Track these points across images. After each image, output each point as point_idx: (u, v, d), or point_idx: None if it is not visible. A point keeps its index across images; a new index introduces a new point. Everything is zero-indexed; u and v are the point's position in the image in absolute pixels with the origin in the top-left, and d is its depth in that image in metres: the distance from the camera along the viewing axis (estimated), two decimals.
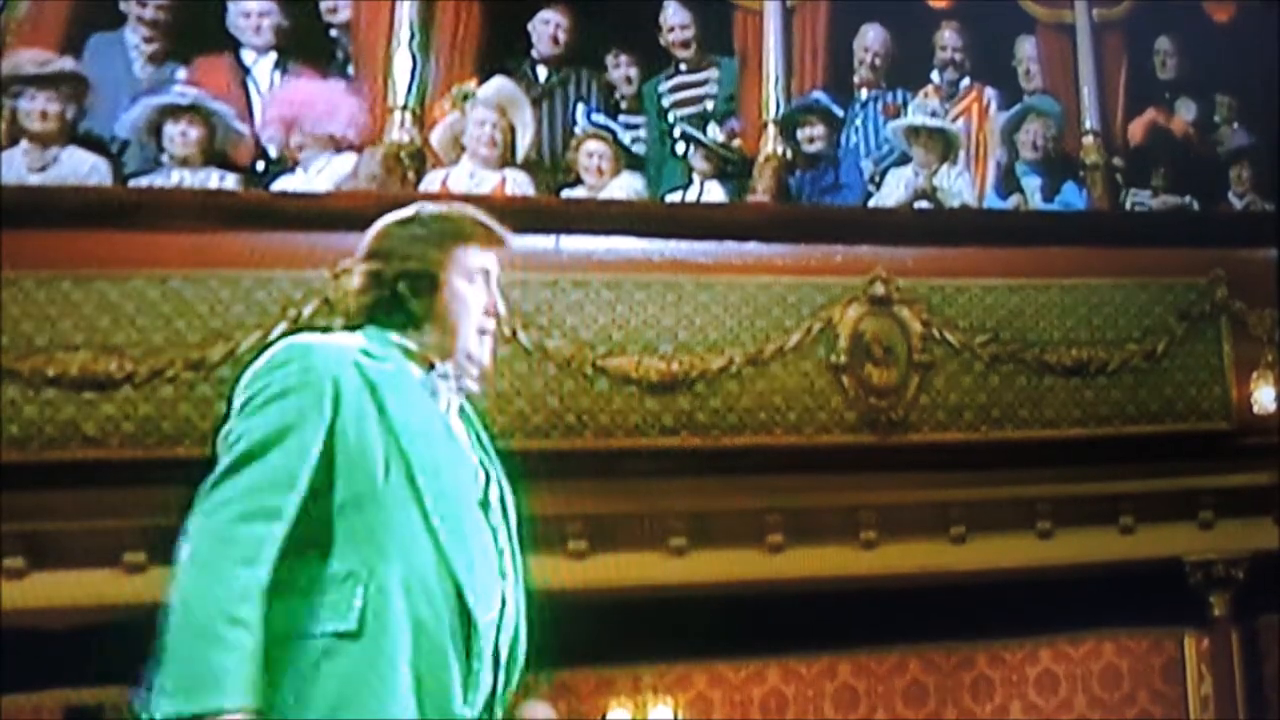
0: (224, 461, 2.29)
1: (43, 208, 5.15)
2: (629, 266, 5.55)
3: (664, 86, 6.71)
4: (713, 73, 6.71)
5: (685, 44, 6.67)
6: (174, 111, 5.64)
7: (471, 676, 2.35)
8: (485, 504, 2.47)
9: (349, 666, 2.23)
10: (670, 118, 6.62)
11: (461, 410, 2.54)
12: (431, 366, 2.50)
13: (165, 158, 5.65)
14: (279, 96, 5.91)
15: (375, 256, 2.52)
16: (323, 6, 6.34)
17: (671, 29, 6.66)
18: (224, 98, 5.85)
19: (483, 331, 2.56)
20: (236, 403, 2.36)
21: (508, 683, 2.45)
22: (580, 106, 6.51)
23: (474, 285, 2.55)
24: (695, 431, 5.44)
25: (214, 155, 5.73)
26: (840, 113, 6.54)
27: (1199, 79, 7.14)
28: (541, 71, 6.57)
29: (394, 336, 2.48)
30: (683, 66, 6.72)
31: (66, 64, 5.59)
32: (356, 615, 2.25)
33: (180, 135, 5.61)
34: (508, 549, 2.47)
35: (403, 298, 2.49)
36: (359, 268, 2.53)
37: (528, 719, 5.25)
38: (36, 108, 5.42)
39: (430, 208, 2.61)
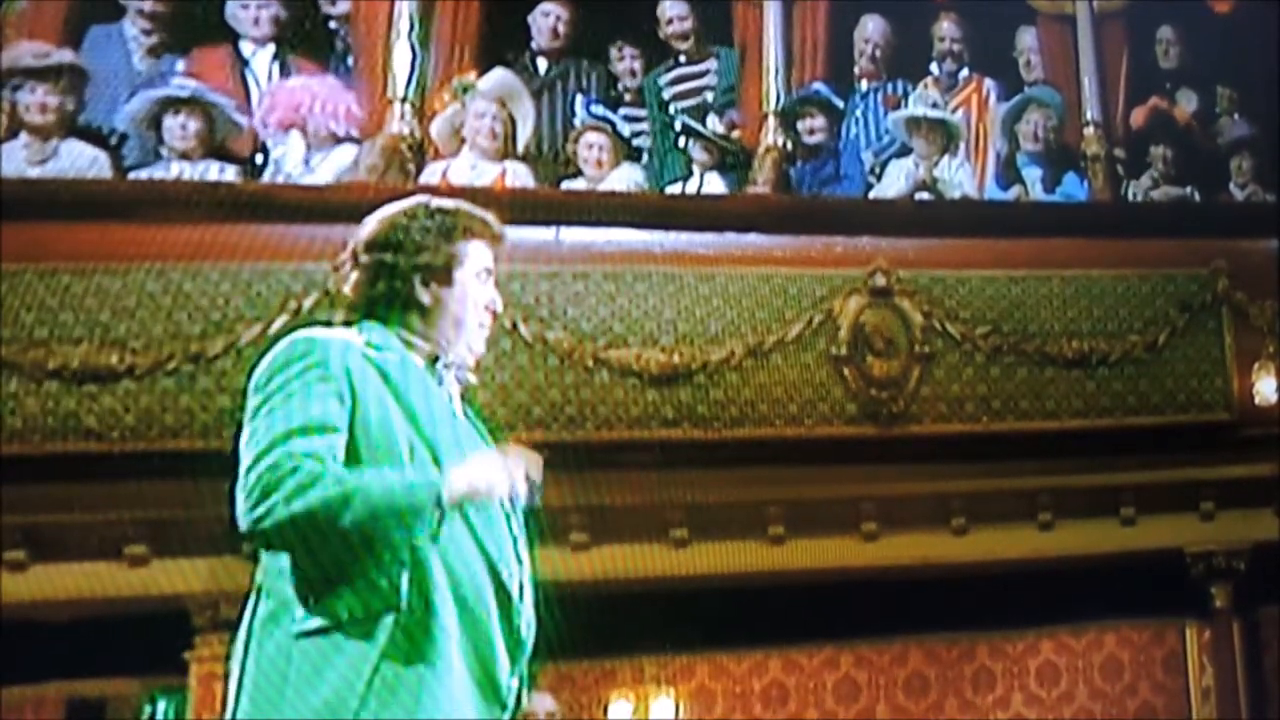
0: (252, 451, 2.28)
1: (43, 200, 5.15)
2: (629, 258, 5.55)
3: (664, 79, 6.70)
4: (712, 64, 6.70)
5: (684, 36, 6.67)
6: (173, 104, 5.63)
7: (516, 648, 2.40)
8: None
9: (401, 650, 2.26)
10: (670, 110, 6.61)
11: (463, 400, 2.56)
12: (434, 359, 2.51)
13: (165, 150, 5.65)
14: (280, 99, 5.88)
15: (385, 248, 2.52)
16: None
17: (670, 21, 6.66)
18: (223, 90, 5.84)
19: (481, 326, 2.58)
20: (253, 400, 2.35)
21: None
22: (580, 98, 6.51)
23: (479, 281, 2.57)
24: (696, 423, 5.44)
25: (213, 147, 5.73)
26: (840, 104, 6.54)
27: (1200, 70, 7.13)
28: (541, 63, 6.57)
29: (394, 330, 2.49)
30: (682, 58, 6.72)
31: (65, 56, 5.59)
32: (404, 596, 2.27)
33: (180, 128, 5.60)
34: (520, 536, 2.49)
35: (416, 290, 2.50)
36: (364, 258, 2.53)
37: (530, 711, 5.25)
38: (36, 100, 5.42)
39: (435, 201, 2.62)
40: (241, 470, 2.28)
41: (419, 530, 2.26)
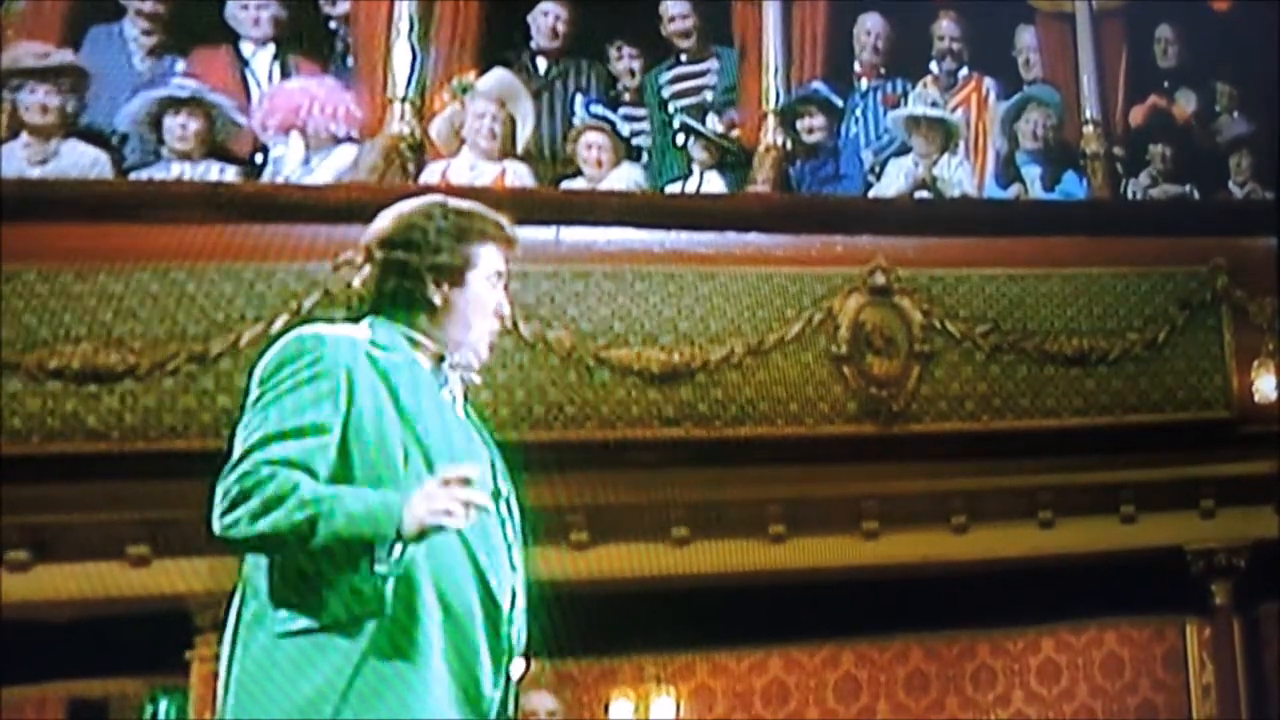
0: (240, 446, 2.29)
1: (44, 201, 5.16)
2: (629, 258, 5.56)
3: (664, 78, 6.70)
4: (713, 64, 6.70)
5: (685, 34, 6.66)
6: (174, 104, 5.64)
7: (498, 660, 2.40)
8: (496, 495, 2.49)
9: (383, 653, 2.27)
10: (670, 109, 6.61)
11: (465, 403, 2.56)
12: (440, 359, 2.51)
13: (165, 150, 5.65)
14: (279, 102, 5.88)
15: (400, 246, 2.52)
16: None
17: (672, 19, 6.65)
18: (223, 90, 5.85)
19: (490, 330, 2.59)
20: (252, 394, 2.36)
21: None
22: (579, 98, 6.51)
23: (490, 284, 2.57)
24: (697, 422, 5.45)
25: (214, 147, 5.73)
26: (840, 103, 6.54)
27: (1199, 68, 7.14)
28: (541, 63, 6.57)
29: (401, 328, 2.49)
30: (682, 57, 6.72)
31: (66, 56, 5.60)
32: (388, 603, 2.28)
33: (180, 127, 5.61)
34: (515, 542, 2.49)
35: (427, 289, 2.50)
36: (378, 254, 2.53)
37: (531, 710, 5.26)
38: (37, 101, 5.42)
39: (452, 202, 2.62)
40: (235, 451, 2.29)
41: (381, 553, 2.25)
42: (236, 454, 2.29)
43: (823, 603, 5.95)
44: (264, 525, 2.22)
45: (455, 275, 2.52)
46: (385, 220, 2.56)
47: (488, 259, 2.57)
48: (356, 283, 2.56)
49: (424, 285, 2.50)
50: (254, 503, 2.23)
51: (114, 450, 4.99)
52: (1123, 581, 6.13)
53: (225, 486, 2.26)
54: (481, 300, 2.55)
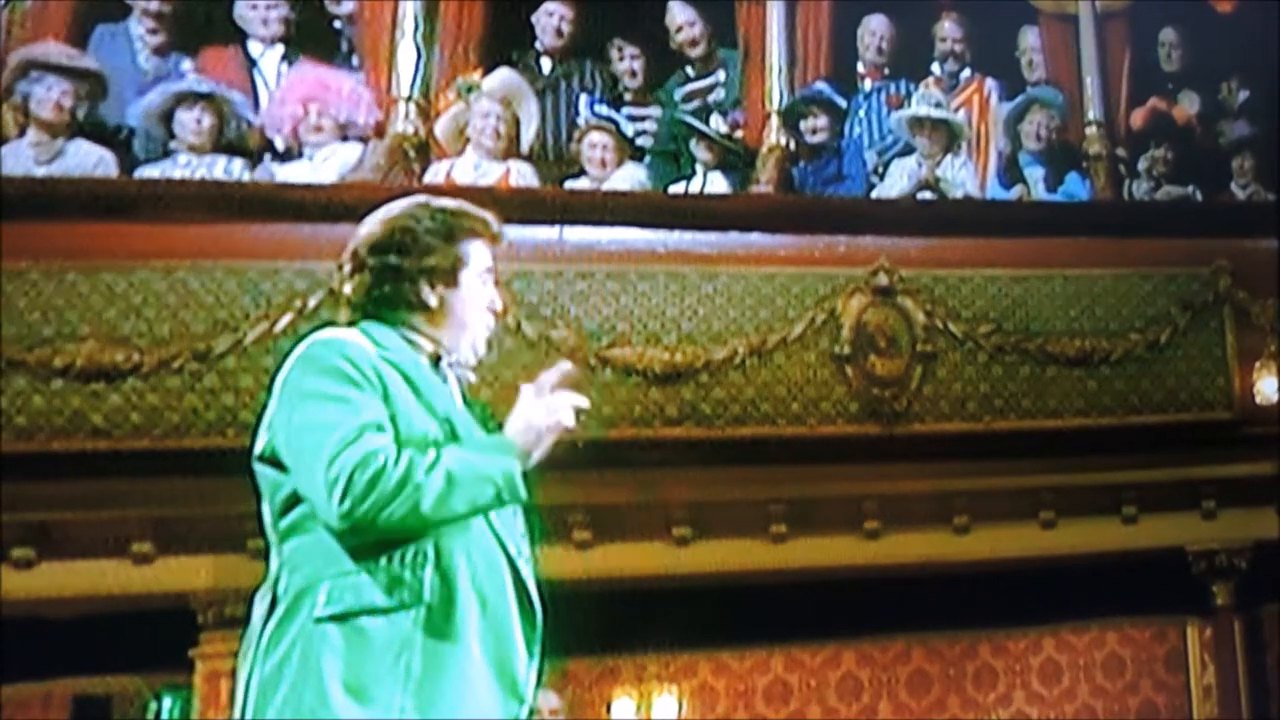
0: (325, 447, 2.27)
1: (49, 199, 5.17)
2: (633, 257, 5.57)
3: (680, 94, 6.67)
4: (719, 75, 6.69)
5: (694, 42, 6.65)
6: (190, 98, 5.64)
7: (531, 646, 2.44)
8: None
9: (423, 638, 2.29)
10: (686, 120, 6.58)
11: (463, 399, 2.57)
12: (437, 358, 2.52)
13: (175, 144, 5.66)
14: (294, 81, 5.89)
15: (391, 250, 2.52)
16: None
17: (679, 29, 6.63)
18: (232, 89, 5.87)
19: (485, 326, 2.61)
20: (293, 400, 2.36)
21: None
22: (583, 98, 6.51)
23: (481, 281, 2.59)
24: (699, 422, 5.45)
25: (224, 144, 5.74)
26: (843, 104, 6.55)
27: (1203, 70, 7.14)
28: (546, 63, 6.57)
29: (398, 330, 2.50)
30: (691, 72, 6.70)
31: (92, 64, 5.62)
32: (427, 589, 2.30)
33: (194, 122, 5.61)
34: (523, 532, 2.52)
35: (422, 291, 2.51)
36: (369, 260, 2.53)
37: (535, 708, 5.27)
38: (53, 98, 5.42)
39: (436, 201, 2.62)
40: (319, 466, 2.27)
41: (514, 499, 2.38)
42: (334, 446, 2.27)
43: (825, 602, 5.96)
44: (405, 500, 2.25)
45: (448, 276, 2.54)
46: (373, 225, 2.56)
47: (478, 256, 2.59)
48: (348, 290, 2.55)
49: (418, 287, 2.51)
50: (392, 479, 2.25)
51: (118, 448, 4.99)
52: (1124, 582, 6.14)
53: (348, 476, 2.24)
54: (475, 298, 2.57)
